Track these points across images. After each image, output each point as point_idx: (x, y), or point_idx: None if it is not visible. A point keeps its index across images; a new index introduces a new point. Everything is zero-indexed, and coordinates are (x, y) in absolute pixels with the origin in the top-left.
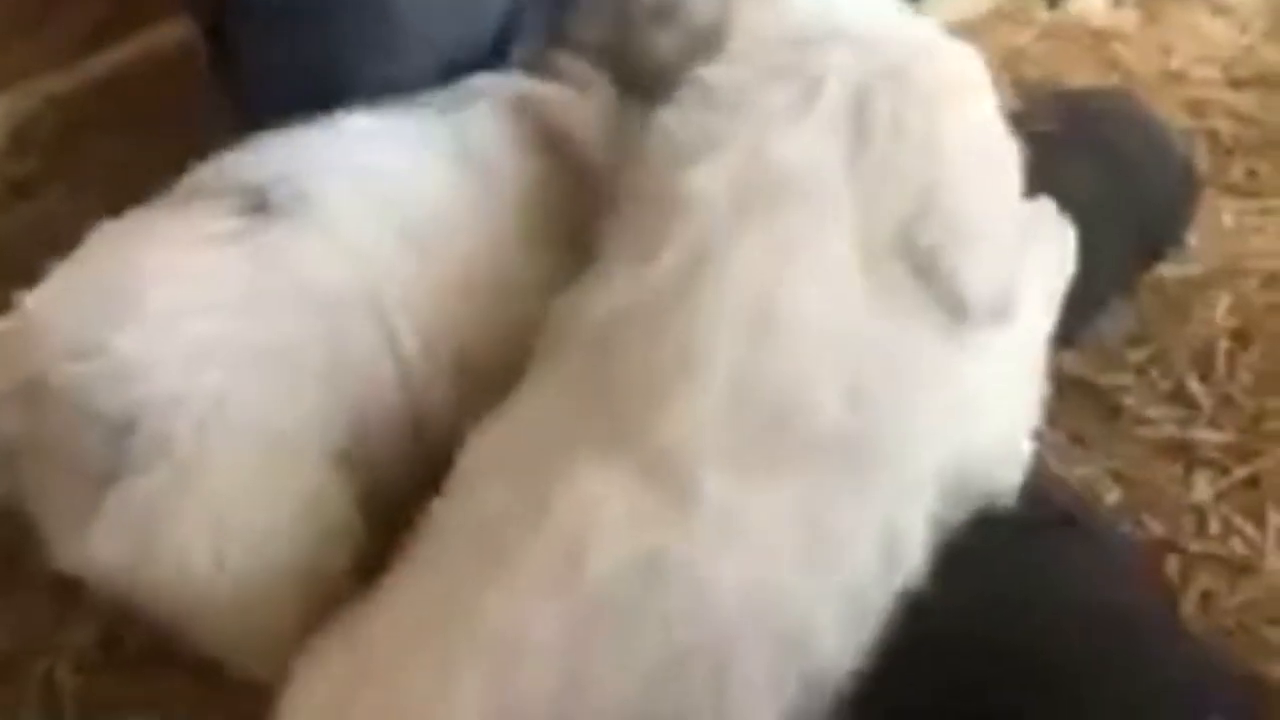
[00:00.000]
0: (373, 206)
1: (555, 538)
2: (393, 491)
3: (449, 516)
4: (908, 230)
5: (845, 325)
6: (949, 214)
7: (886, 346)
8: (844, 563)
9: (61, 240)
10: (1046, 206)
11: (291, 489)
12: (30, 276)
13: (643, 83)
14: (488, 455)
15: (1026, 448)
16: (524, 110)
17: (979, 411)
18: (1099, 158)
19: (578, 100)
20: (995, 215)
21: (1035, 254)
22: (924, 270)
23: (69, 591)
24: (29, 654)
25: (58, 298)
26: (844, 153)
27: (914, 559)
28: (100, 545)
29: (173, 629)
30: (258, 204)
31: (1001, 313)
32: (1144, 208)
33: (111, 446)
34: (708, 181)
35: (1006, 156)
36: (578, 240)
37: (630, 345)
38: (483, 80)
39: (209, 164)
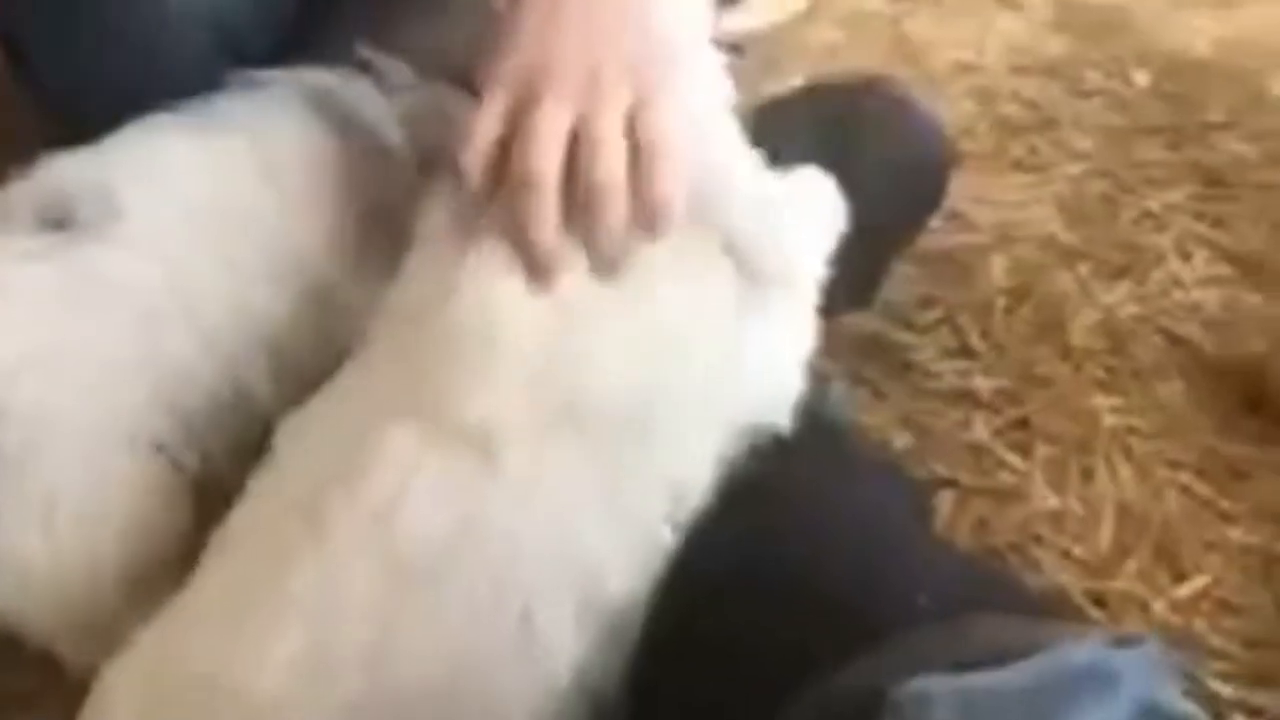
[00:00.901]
0: (180, 214)
1: (368, 502)
2: (229, 483)
3: (261, 490)
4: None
5: (639, 293)
6: (737, 192)
7: (678, 310)
8: (635, 513)
9: None
10: (813, 173)
11: (115, 480)
12: None
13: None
14: (300, 430)
15: (797, 391)
16: (322, 102)
17: (763, 366)
18: (833, 131)
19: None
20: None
21: (807, 216)
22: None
23: None
24: None
25: None
26: None
27: (699, 500)
28: None
29: (12, 627)
30: (64, 219)
31: (788, 275)
32: (892, 180)
33: None
34: None
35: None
36: (389, 230)
37: (437, 322)
38: (279, 73)
39: (15, 182)
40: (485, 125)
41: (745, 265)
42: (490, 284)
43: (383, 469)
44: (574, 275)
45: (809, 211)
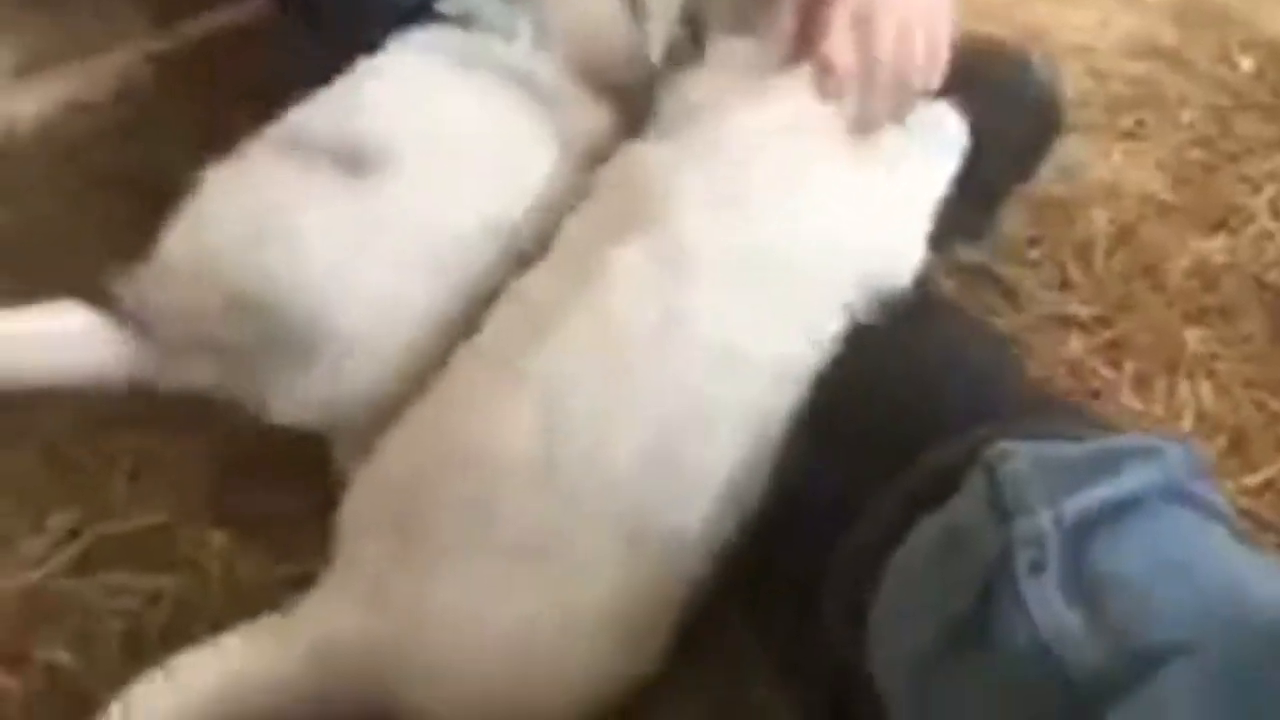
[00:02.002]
0: (455, 148)
1: (590, 306)
2: None
3: (499, 311)
4: None
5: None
6: None
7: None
8: (783, 345)
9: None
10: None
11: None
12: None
13: None
14: (532, 277)
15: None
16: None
17: (895, 226)
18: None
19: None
20: None
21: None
22: None
23: None
24: None
25: (207, 217)
26: None
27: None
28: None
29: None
30: (354, 153)
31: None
32: (1006, 128)
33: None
34: None
35: None
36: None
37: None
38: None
39: (297, 114)
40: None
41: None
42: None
43: (603, 275)
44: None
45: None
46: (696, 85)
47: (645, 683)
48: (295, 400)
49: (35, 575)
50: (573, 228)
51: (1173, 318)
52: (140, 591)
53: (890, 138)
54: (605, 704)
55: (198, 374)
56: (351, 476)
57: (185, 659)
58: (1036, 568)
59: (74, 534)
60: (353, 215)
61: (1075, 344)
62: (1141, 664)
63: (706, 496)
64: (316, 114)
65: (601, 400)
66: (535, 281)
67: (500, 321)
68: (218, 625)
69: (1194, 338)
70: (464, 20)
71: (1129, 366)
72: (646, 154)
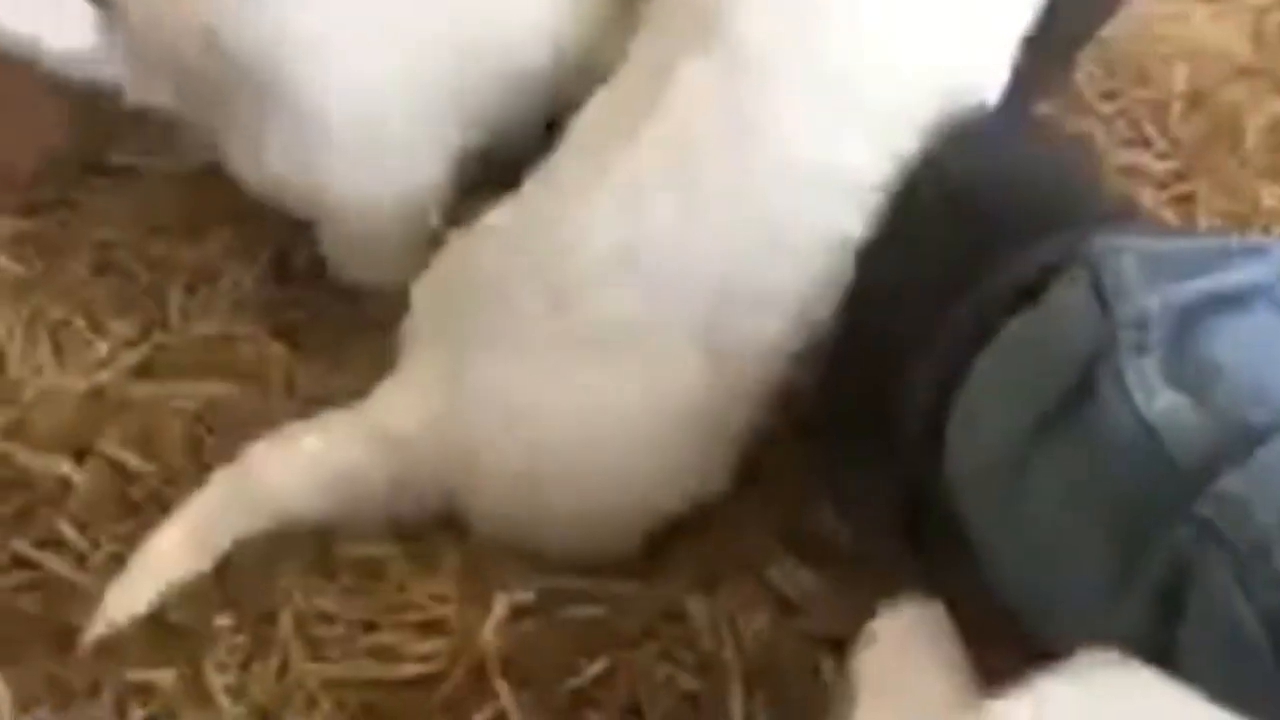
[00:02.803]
0: None
1: (664, 116)
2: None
3: (581, 118)
4: None
5: None
6: None
7: None
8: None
9: None
10: None
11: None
12: None
13: None
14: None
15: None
16: None
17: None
18: None
19: None
20: None
21: None
22: None
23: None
24: None
25: None
26: None
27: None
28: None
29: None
30: None
31: None
32: None
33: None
34: None
35: None
36: None
37: None
38: None
39: None
40: None
41: None
42: None
43: (673, 85)
44: None
45: None
46: None
47: (712, 499)
48: (249, 155)
49: (97, 378)
50: (641, 41)
51: (1247, 175)
52: (200, 397)
53: None
54: (669, 518)
55: (162, 94)
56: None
57: (257, 449)
58: (1141, 349)
59: (132, 343)
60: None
61: (1147, 197)
62: (1248, 442)
63: (777, 309)
64: None
65: (677, 207)
66: (611, 93)
67: (584, 124)
68: (280, 430)
69: (1267, 194)
70: None
71: (1202, 222)
72: None
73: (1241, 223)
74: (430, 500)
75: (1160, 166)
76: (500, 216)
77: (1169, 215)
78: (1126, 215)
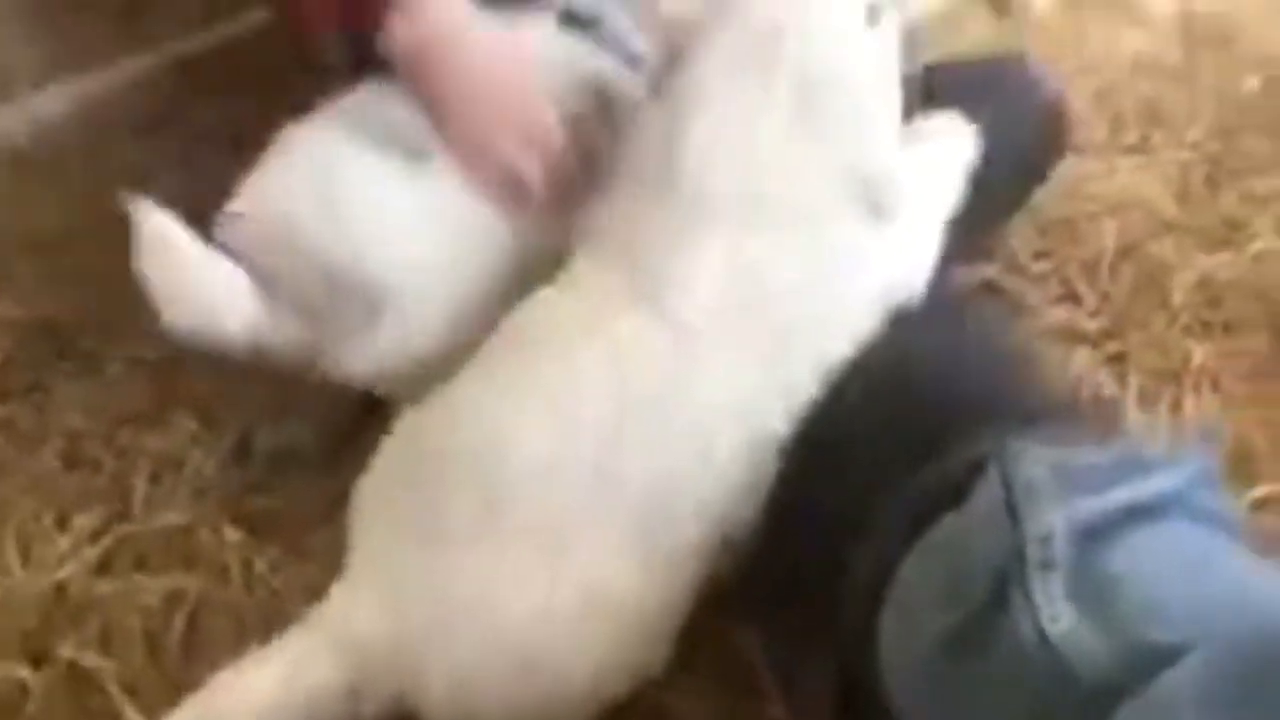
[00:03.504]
0: None
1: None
2: None
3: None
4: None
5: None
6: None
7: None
8: (792, 379)
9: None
10: (955, 118)
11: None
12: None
13: None
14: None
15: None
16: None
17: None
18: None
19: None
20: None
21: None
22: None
23: None
24: None
25: (279, 186)
26: None
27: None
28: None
29: None
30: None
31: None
32: (1013, 143)
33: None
34: None
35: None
36: None
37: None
38: None
39: (369, 95)
40: None
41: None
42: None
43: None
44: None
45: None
46: None
47: (651, 684)
48: (365, 357)
49: (59, 575)
50: (583, 254)
51: (1177, 332)
52: (161, 591)
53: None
54: (613, 701)
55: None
56: None
57: (224, 678)
58: (1046, 565)
59: (96, 535)
60: (413, 194)
61: (1081, 357)
62: (1148, 663)
63: (708, 511)
64: (389, 99)
65: (611, 413)
66: (555, 293)
67: (523, 321)
68: (239, 622)
69: (1198, 351)
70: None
71: (1134, 380)
72: None
73: (1174, 380)
74: (387, 701)
75: (1092, 325)
76: (435, 413)
77: (1102, 376)
78: (1057, 409)
